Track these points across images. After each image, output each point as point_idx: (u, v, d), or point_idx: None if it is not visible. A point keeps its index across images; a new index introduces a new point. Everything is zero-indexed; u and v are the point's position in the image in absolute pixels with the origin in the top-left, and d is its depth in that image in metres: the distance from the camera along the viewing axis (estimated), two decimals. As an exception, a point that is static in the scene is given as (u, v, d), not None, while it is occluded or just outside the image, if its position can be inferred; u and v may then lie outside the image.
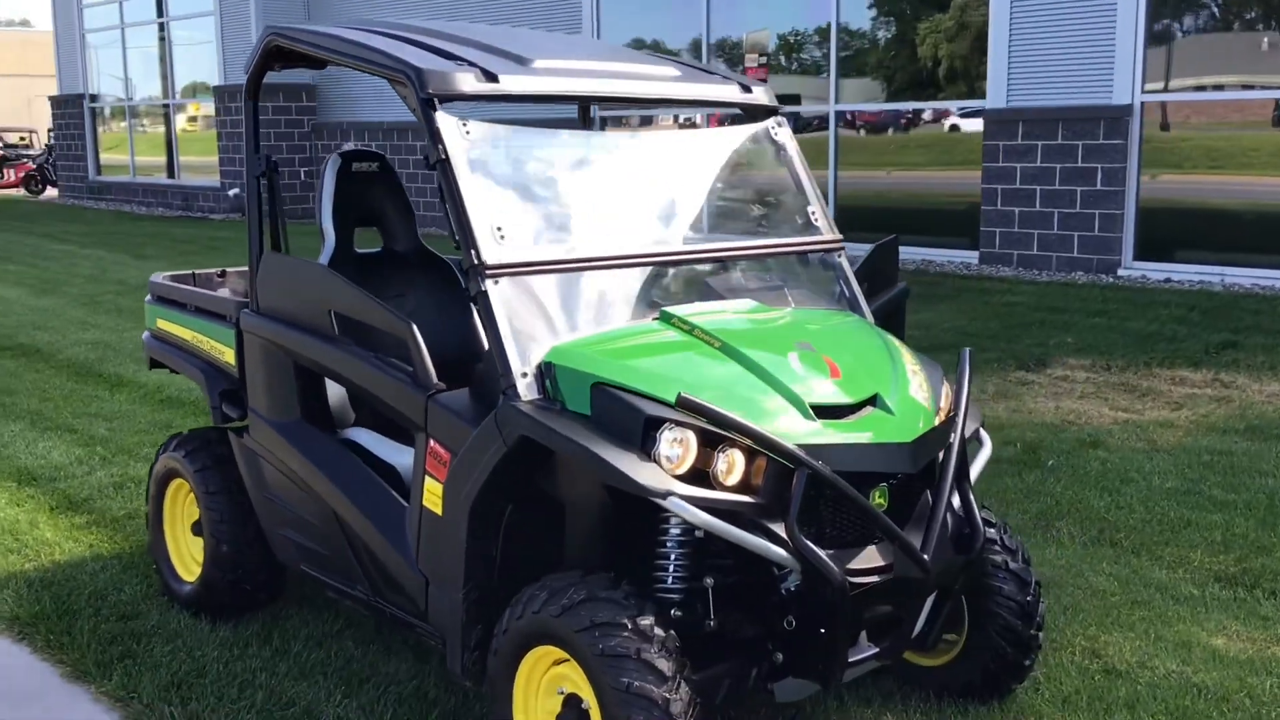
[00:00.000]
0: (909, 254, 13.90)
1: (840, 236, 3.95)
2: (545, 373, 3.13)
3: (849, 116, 14.80)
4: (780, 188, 3.98)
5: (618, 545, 3.30)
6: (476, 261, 3.15)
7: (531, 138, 3.58)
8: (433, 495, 3.32)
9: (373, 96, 20.13)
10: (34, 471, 6.16)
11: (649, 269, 3.58)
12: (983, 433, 3.58)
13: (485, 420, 3.14)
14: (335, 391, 4.16)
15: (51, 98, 27.28)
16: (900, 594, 3.15)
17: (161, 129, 24.53)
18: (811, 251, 3.91)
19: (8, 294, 12.38)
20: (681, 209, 3.79)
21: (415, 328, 3.35)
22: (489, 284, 3.15)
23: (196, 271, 4.95)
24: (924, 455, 3.16)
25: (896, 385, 3.30)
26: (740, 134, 3.97)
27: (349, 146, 4.73)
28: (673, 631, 2.94)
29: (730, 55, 15.73)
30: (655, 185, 3.79)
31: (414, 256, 4.45)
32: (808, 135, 14.74)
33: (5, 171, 31.37)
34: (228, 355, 4.21)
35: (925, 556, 3.06)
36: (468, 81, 3.35)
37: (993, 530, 3.64)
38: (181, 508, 4.48)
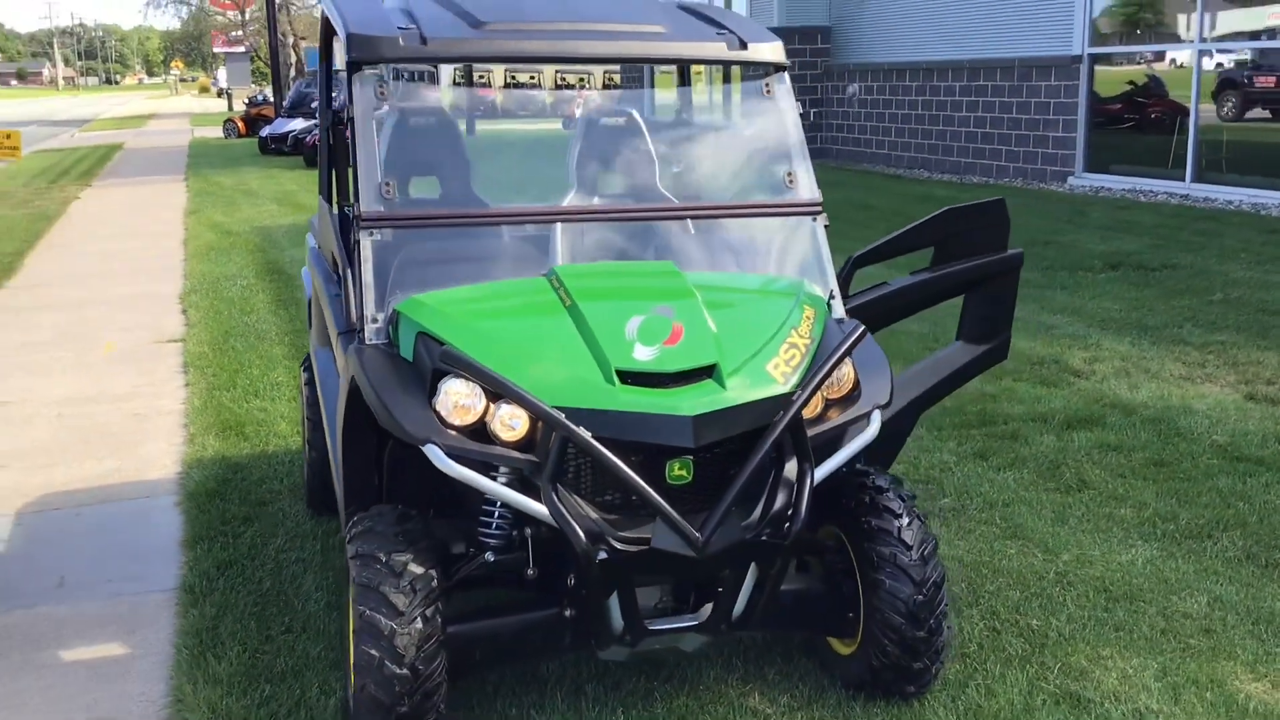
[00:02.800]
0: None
1: (817, 200, 3.77)
2: (392, 320, 3.38)
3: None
4: (766, 148, 3.85)
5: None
6: (357, 213, 3.44)
7: (460, 99, 3.77)
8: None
9: (884, 37, 20.07)
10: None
11: (585, 226, 3.65)
12: (875, 414, 3.34)
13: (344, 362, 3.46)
14: None
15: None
16: (669, 569, 3.08)
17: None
18: (775, 215, 3.77)
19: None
20: (631, 168, 3.81)
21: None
22: (363, 234, 3.43)
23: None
24: (716, 431, 3.05)
25: (754, 358, 3.19)
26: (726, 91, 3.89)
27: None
28: (432, 571, 3.11)
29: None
30: (605, 145, 3.83)
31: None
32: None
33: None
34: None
35: (698, 534, 2.99)
36: (392, 47, 3.60)
37: (897, 520, 3.40)
38: (313, 416, 5.15)
